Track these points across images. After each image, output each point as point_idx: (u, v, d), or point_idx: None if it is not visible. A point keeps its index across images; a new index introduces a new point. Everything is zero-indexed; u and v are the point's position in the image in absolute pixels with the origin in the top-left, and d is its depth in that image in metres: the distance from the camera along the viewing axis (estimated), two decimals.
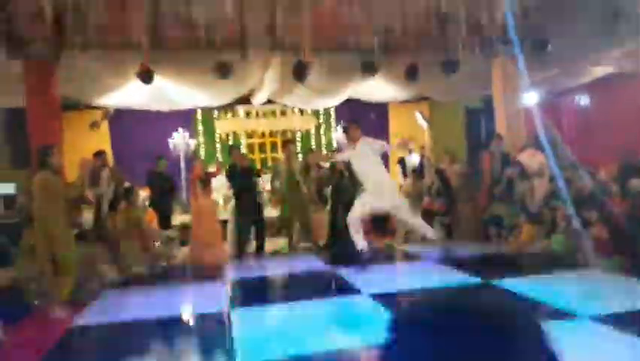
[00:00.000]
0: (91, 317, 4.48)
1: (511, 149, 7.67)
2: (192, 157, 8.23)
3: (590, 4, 7.10)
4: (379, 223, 7.47)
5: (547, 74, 8.31)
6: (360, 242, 5.54)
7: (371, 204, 5.50)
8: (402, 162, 10.07)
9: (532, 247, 6.12)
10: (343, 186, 6.84)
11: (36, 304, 4.49)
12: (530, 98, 8.26)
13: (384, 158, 7.13)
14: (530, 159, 7.14)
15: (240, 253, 6.89)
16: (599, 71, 8.78)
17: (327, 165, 7.59)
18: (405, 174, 9.71)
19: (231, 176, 7.08)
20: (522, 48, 7.10)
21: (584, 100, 9.90)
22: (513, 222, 6.77)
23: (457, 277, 5.26)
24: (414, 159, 9.77)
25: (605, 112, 9.22)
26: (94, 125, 8.12)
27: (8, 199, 6.65)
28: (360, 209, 5.51)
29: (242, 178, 6.99)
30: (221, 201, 8.75)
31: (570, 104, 9.93)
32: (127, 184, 6.66)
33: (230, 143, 10.40)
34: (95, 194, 6.92)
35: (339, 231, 6.56)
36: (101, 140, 8.94)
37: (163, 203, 7.47)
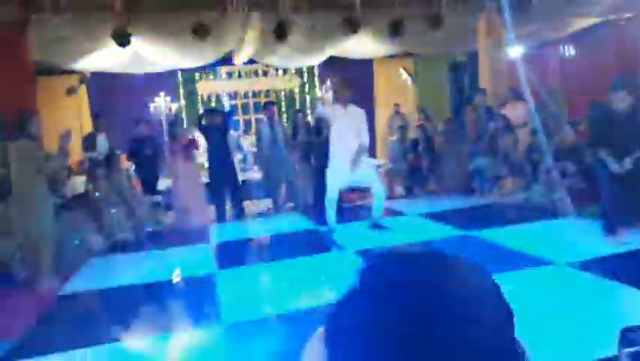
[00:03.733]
0: (76, 285, 4.52)
1: (495, 102, 7.65)
2: (176, 121, 8.11)
3: None
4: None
5: (532, 28, 8.19)
6: (331, 220, 5.37)
7: (341, 180, 5.25)
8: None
9: (514, 198, 6.22)
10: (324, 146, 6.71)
11: (21, 276, 4.50)
12: (514, 52, 8.17)
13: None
14: (513, 111, 7.15)
15: (218, 215, 6.85)
16: (584, 21, 8.66)
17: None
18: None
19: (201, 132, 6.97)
20: (506, 1, 6.98)
21: (568, 50, 9.83)
22: (496, 174, 6.85)
23: (438, 230, 5.36)
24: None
25: (590, 61, 9.18)
26: (71, 90, 7.94)
27: None
28: (333, 187, 5.27)
29: (211, 136, 6.81)
30: (206, 164, 8.71)
31: (555, 55, 9.85)
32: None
33: (212, 105, 10.28)
34: (89, 158, 6.88)
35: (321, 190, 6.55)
36: (79, 106, 8.76)
37: (147, 168, 7.41)
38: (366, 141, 5.30)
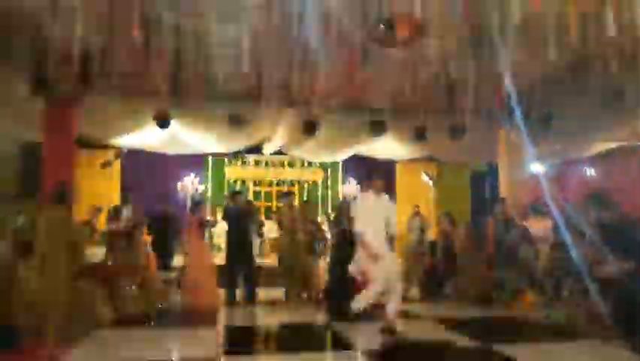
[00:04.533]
0: (78, 355, 4.41)
1: (515, 214, 7.68)
2: (199, 201, 8.34)
3: (593, 82, 7.28)
4: None
5: (552, 146, 8.45)
6: (361, 304, 5.04)
7: (383, 281, 4.95)
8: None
9: (533, 314, 6.00)
10: (343, 242, 6.55)
11: (25, 340, 4.44)
12: (534, 167, 8.40)
13: None
14: (534, 225, 7.15)
15: (229, 299, 6.78)
16: (604, 145, 8.91)
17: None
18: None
19: (224, 219, 7.19)
20: (526, 121, 7.30)
21: (588, 171, 10.02)
22: (515, 287, 6.68)
23: (453, 339, 5.14)
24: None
25: (613, 181, 9.29)
26: (106, 164, 8.34)
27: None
28: (377, 289, 4.97)
29: (233, 222, 7.03)
30: (223, 246, 8.76)
31: (574, 174, 10.03)
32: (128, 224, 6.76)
33: (237, 189, 10.58)
34: (111, 230, 7.04)
35: (335, 285, 6.39)
36: (112, 179, 9.13)
37: (163, 244, 7.50)
38: (395, 233, 5.25)
